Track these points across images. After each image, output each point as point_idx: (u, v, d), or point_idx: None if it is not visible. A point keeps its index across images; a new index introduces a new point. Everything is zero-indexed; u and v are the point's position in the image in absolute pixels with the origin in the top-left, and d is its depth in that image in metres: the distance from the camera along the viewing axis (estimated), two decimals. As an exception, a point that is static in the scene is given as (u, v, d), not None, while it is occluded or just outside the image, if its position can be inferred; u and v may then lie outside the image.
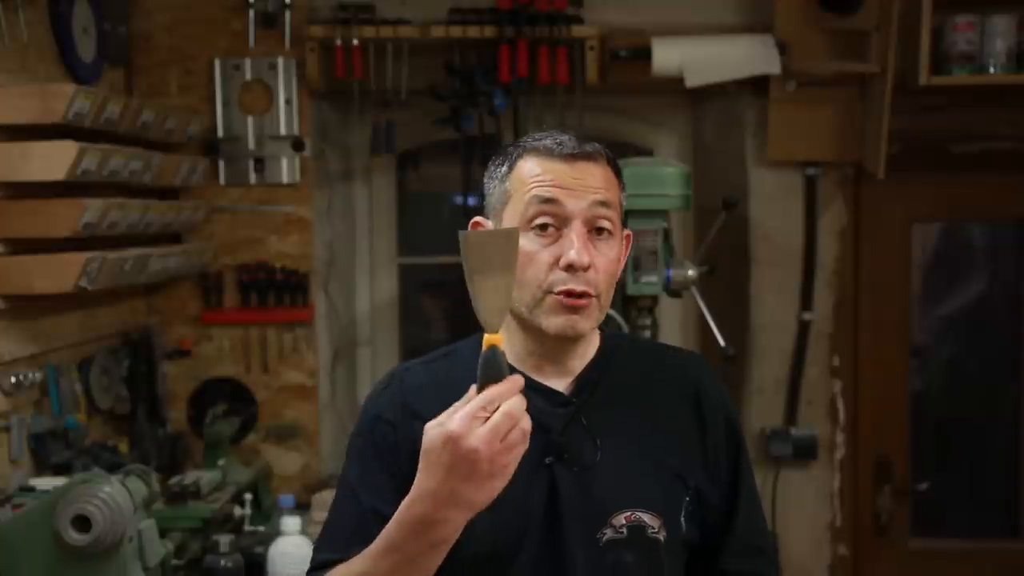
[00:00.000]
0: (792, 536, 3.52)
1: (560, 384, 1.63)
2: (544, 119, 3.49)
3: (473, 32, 3.35)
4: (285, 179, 3.45)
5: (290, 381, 3.49)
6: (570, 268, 1.53)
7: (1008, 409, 3.76)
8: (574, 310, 1.55)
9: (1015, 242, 3.80)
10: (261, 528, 3.01)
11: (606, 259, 1.57)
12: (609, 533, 1.56)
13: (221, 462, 3.08)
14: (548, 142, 1.59)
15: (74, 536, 2.16)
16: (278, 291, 3.45)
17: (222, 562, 2.55)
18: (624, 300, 3.09)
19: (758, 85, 3.42)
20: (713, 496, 1.64)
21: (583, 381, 1.63)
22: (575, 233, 1.54)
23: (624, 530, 1.56)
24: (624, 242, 1.64)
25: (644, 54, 3.36)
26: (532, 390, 1.56)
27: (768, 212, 3.51)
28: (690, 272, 3.05)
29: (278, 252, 3.46)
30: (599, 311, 1.58)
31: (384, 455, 1.62)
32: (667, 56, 3.33)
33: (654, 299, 3.09)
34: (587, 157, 1.57)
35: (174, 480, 2.85)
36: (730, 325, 3.27)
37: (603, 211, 1.56)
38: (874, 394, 3.60)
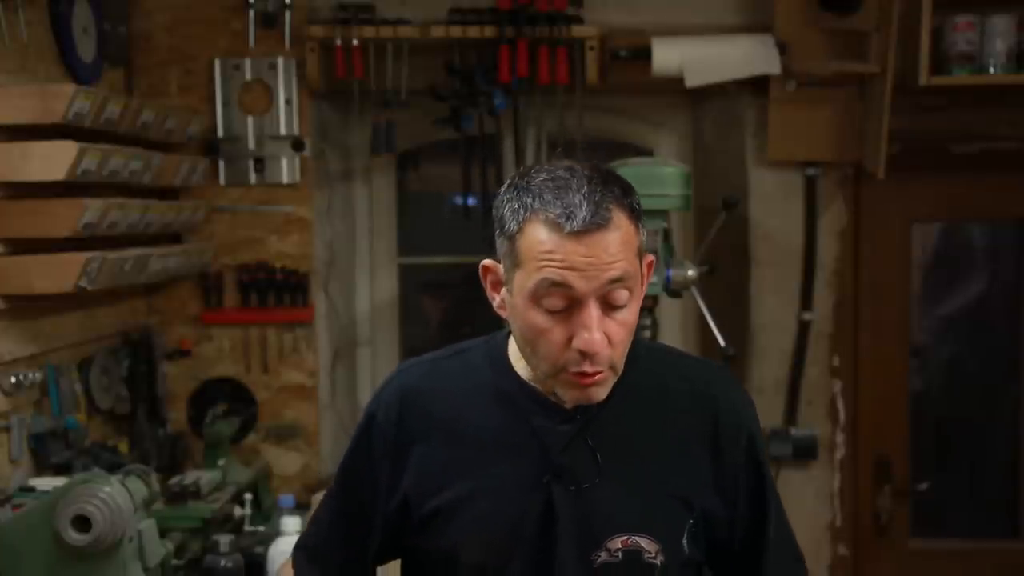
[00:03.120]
0: (792, 536, 3.52)
1: None
2: (544, 119, 3.49)
3: (473, 32, 3.35)
4: (285, 179, 3.45)
5: (290, 381, 3.49)
6: (583, 353, 1.47)
7: (1008, 409, 3.75)
8: (588, 386, 1.50)
9: (1015, 242, 3.79)
10: (261, 528, 3.02)
11: (623, 330, 1.49)
12: (603, 556, 1.53)
13: (221, 462, 3.08)
14: (558, 210, 1.43)
15: (74, 536, 2.16)
16: (278, 291, 3.45)
17: (222, 562, 2.55)
18: (624, 300, 3.09)
19: (758, 85, 3.42)
20: (726, 516, 1.59)
21: None
22: (588, 316, 1.45)
23: (619, 554, 1.53)
24: (646, 270, 1.54)
25: (644, 54, 3.36)
26: (537, 404, 1.56)
27: (768, 212, 3.51)
28: (690, 272, 3.05)
29: (278, 252, 3.46)
30: (615, 376, 1.52)
31: (371, 456, 1.64)
32: (667, 56, 3.33)
33: (654, 299, 3.09)
34: (600, 228, 1.44)
35: (174, 480, 2.85)
36: (730, 325, 3.26)
37: (618, 286, 1.46)
38: (874, 394, 3.60)
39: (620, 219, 1.46)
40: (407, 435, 1.61)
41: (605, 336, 1.46)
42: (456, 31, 3.35)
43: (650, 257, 1.55)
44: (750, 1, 3.47)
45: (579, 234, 1.43)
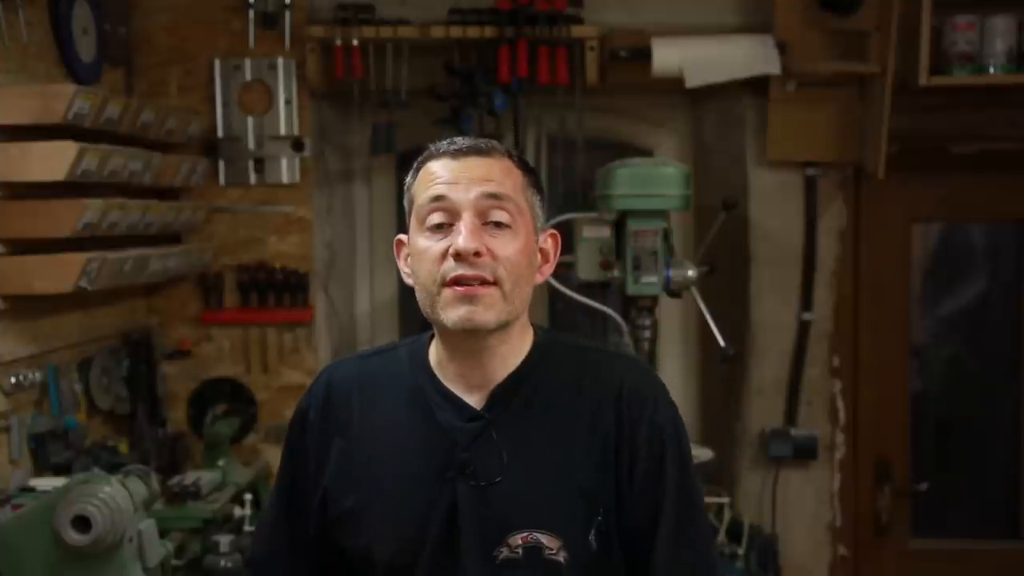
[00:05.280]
0: (792, 536, 3.52)
1: (479, 394, 1.57)
2: (544, 119, 3.49)
3: (473, 32, 3.35)
4: (285, 179, 3.45)
5: (290, 381, 3.48)
6: (458, 256, 1.49)
7: (1008, 409, 3.75)
8: (469, 299, 1.50)
9: (1015, 242, 3.79)
10: (261, 528, 3.01)
11: (506, 250, 1.52)
12: (505, 552, 1.52)
13: (221, 462, 3.08)
14: (444, 143, 1.58)
15: (74, 536, 2.16)
16: (278, 291, 3.45)
17: (222, 562, 2.56)
18: (624, 300, 3.09)
19: (758, 85, 3.42)
20: (626, 511, 1.55)
21: (499, 393, 1.57)
22: (463, 223, 1.51)
23: (519, 551, 1.52)
24: (551, 241, 1.61)
25: (644, 54, 3.36)
26: (447, 402, 1.57)
27: (768, 212, 3.51)
28: (690, 272, 3.05)
29: (278, 252, 3.46)
30: (504, 302, 1.52)
31: (304, 450, 1.67)
32: (667, 56, 3.33)
33: (654, 299, 3.09)
34: (477, 152, 1.56)
35: (174, 480, 2.85)
36: (730, 325, 3.27)
37: (494, 202, 1.52)
38: (874, 394, 3.60)
39: (503, 158, 1.57)
40: (331, 429, 1.63)
41: (487, 249, 1.50)
42: (456, 31, 3.35)
43: (551, 231, 1.62)
44: (750, 1, 3.47)
45: (457, 154, 1.55)
